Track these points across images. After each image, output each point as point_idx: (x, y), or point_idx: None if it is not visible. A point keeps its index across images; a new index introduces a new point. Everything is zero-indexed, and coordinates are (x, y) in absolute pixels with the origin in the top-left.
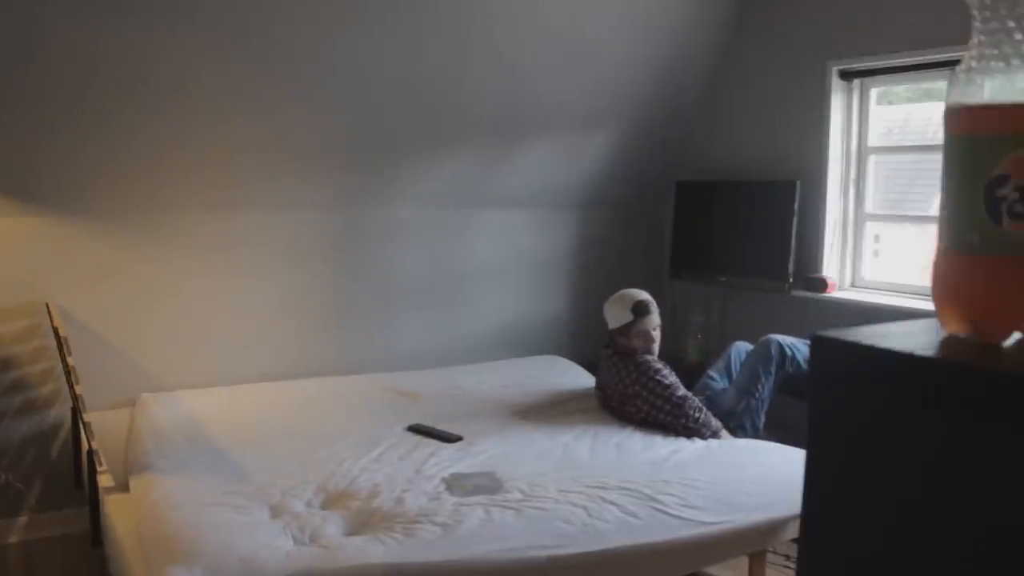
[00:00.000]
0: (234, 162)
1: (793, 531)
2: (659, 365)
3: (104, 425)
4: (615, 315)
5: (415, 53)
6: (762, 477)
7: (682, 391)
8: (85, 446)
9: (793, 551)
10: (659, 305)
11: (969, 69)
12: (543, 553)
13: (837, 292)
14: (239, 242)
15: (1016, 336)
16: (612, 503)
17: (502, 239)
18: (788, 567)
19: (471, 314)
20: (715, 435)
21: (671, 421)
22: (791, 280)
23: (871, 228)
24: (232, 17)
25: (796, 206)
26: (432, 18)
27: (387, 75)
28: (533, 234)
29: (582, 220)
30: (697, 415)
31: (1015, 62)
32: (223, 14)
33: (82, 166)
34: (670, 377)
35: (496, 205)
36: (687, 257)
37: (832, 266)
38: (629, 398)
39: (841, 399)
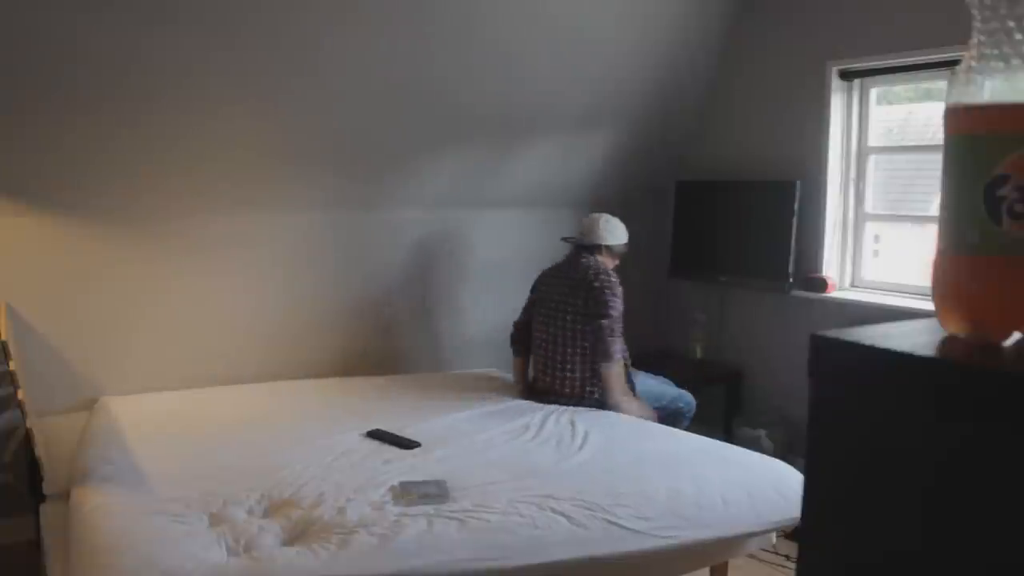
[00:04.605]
0: (228, 162)
1: (754, 546)
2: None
3: (66, 429)
4: (620, 232)
5: (414, 53)
6: (726, 491)
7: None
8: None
9: (793, 551)
10: (659, 305)
11: (969, 69)
12: (482, 566)
13: (837, 292)
14: (227, 243)
15: (1016, 336)
16: (562, 514)
17: (502, 239)
18: (788, 567)
19: (470, 315)
20: (607, 355)
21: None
22: (791, 280)
23: (871, 228)
24: (228, 15)
25: (796, 206)
26: (432, 18)
27: (386, 75)
28: (533, 234)
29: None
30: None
31: (1015, 62)
32: (218, 12)
33: (65, 165)
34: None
35: (496, 205)
36: (687, 257)
37: (832, 266)
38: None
39: (841, 399)
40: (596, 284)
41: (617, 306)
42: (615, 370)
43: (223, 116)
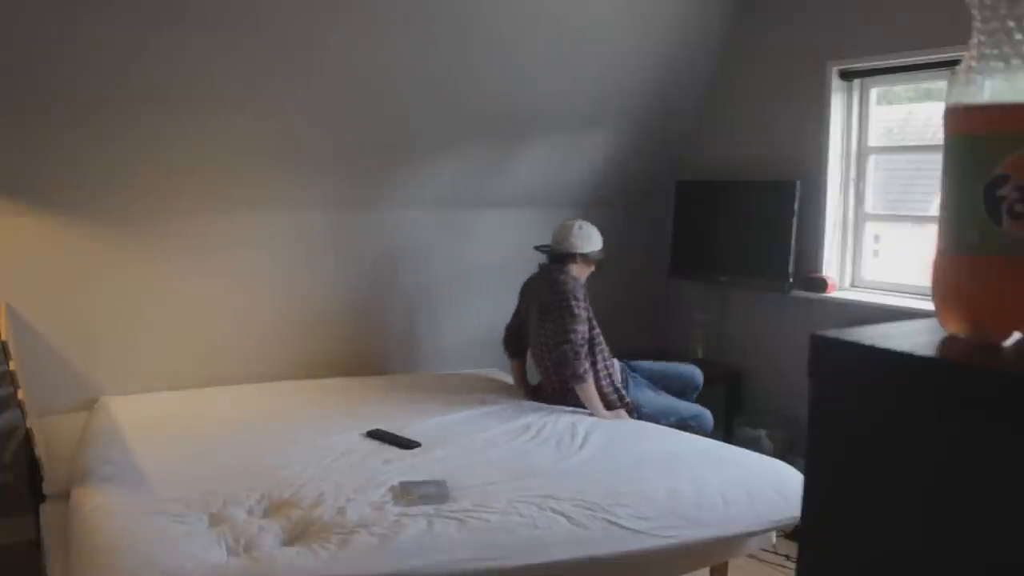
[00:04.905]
0: (228, 163)
1: (754, 545)
2: (580, 296)
3: (66, 429)
4: (595, 239)
5: (415, 53)
6: (726, 491)
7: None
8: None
9: (793, 551)
10: (659, 305)
11: (969, 69)
12: (482, 566)
13: (837, 292)
14: (227, 244)
15: (1016, 336)
16: (562, 514)
17: (502, 239)
18: (788, 567)
19: (471, 315)
20: (575, 377)
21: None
22: (791, 280)
23: (871, 228)
24: (228, 15)
25: (796, 206)
26: (432, 18)
27: (386, 75)
28: (533, 234)
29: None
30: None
31: (1015, 62)
32: (219, 12)
33: (65, 165)
34: (581, 313)
35: (496, 205)
36: (687, 257)
37: (832, 266)
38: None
39: (841, 399)
40: (554, 310)
41: (578, 328)
42: (588, 389)
43: (224, 116)
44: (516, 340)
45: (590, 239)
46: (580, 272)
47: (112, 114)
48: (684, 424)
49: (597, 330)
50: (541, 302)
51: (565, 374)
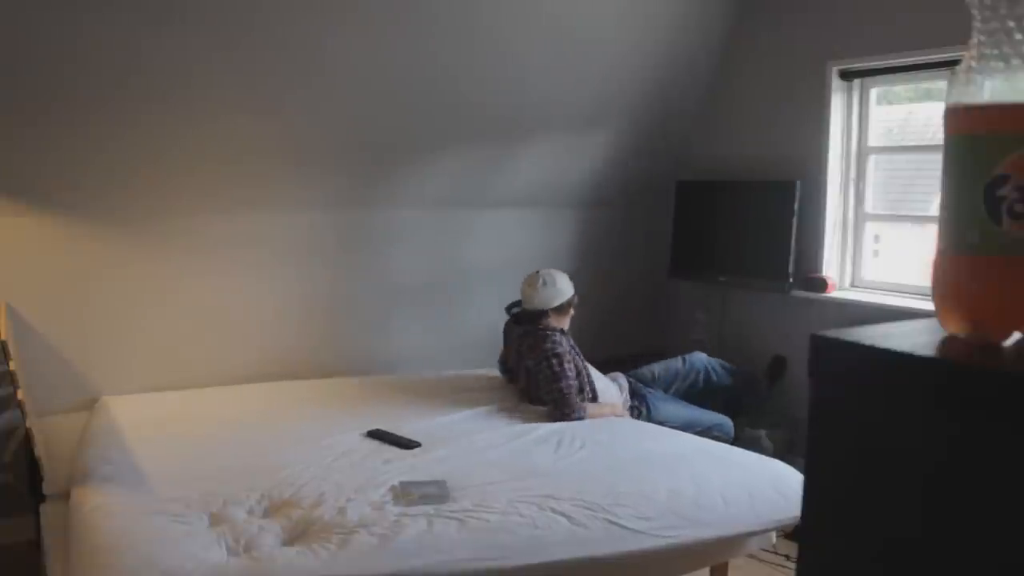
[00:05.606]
0: (228, 162)
1: (754, 545)
2: (559, 341)
3: (66, 429)
4: (564, 287)
5: (415, 53)
6: (726, 491)
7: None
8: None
9: (793, 551)
10: (659, 305)
11: (969, 69)
12: (482, 566)
13: (837, 292)
14: (227, 243)
15: (1016, 336)
16: (562, 514)
17: (502, 239)
18: (788, 567)
19: (471, 315)
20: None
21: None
22: (791, 280)
23: (871, 228)
24: (228, 15)
25: (796, 206)
26: (432, 18)
27: (387, 75)
28: (533, 234)
29: (582, 220)
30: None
31: (1015, 62)
32: (219, 12)
33: (65, 165)
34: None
35: (496, 205)
36: (687, 257)
37: (832, 266)
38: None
39: (841, 399)
40: (535, 372)
41: (569, 378)
42: (593, 414)
43: (223, 116)
44: (511, 370)
45: (559, 291)
46: (558, 323)
47: (112, 114)
48: (708, 433)
49: (583, 367)
50: (526, 367)
51: (568, 418)
